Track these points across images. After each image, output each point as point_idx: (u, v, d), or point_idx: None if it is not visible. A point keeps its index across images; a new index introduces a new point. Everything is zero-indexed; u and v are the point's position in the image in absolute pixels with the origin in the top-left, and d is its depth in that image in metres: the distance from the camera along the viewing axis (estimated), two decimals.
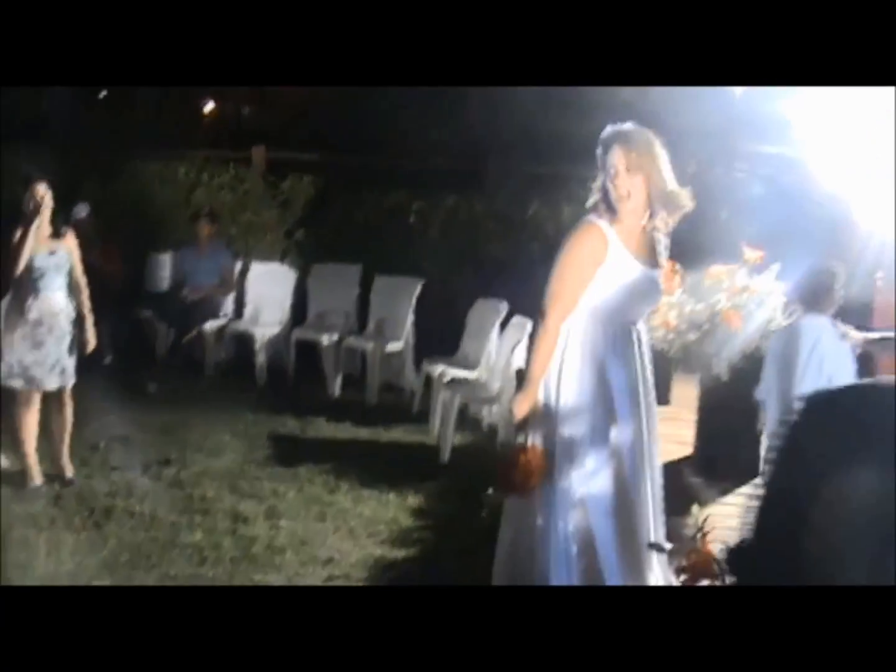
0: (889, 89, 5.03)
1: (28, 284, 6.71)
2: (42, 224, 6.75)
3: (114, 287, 9.65)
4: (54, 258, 6.80)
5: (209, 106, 21.84)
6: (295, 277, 10.78)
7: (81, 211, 9.77)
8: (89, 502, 6.62)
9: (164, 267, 11.00)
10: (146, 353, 10.39)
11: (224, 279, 10.63)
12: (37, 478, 6.80)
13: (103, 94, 21.55)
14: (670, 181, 4.45)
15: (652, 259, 4.51)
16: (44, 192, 6.77)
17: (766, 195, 12.19)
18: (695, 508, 4.83)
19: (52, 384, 6.79)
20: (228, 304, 10.77)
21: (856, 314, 7.30)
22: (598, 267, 4.40)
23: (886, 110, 5.95)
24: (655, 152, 4.45)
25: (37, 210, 6.71)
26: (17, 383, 6.71)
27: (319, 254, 11.01)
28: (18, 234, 6.67)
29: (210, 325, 10.30)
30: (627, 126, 4.51)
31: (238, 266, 10.86)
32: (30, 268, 6.70)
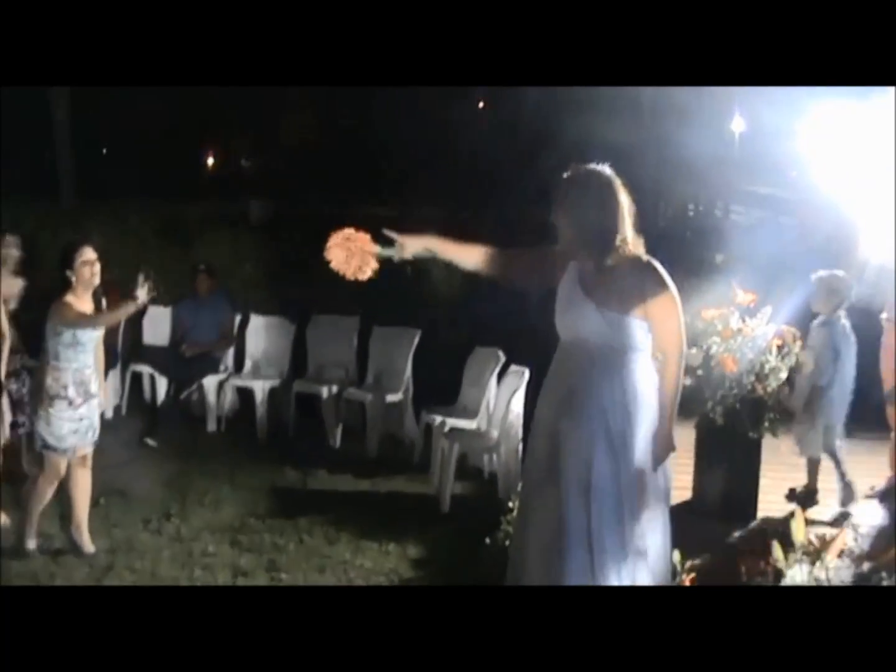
0: (889, 89, 5.06)
1: (67, 355, 6.52)
2: (86, 294, 6.60)
3: (113, 341, 9.68)
4: (100, 330, 6.69)
5: (210, 160, 22.03)
6: (294, 330, 10.81)
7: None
8: (89, 559, 6.63)
9: (164, 320, 11.02)
10: (146, 408, 10.39)
11: (224, 333, 10.65)
12: (33, 541, 6.69)
13: (104, 150, 21.74)
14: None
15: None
16: (93, 258, 6.59)
17: (762, 237, 12.26)
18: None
19: (86, 449, 6.71)
20: (228, 357, 10.79)
21: (861, 351, 7.35)
22: None
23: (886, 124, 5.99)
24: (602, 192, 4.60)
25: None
26: (53, 455, 6.57)
27: (318, 305, 11.04)
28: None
29: (210, 380, 10.32)
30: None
31: (237, 319, 10.88)
32: (75, 342, 6.51)
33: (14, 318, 7.12)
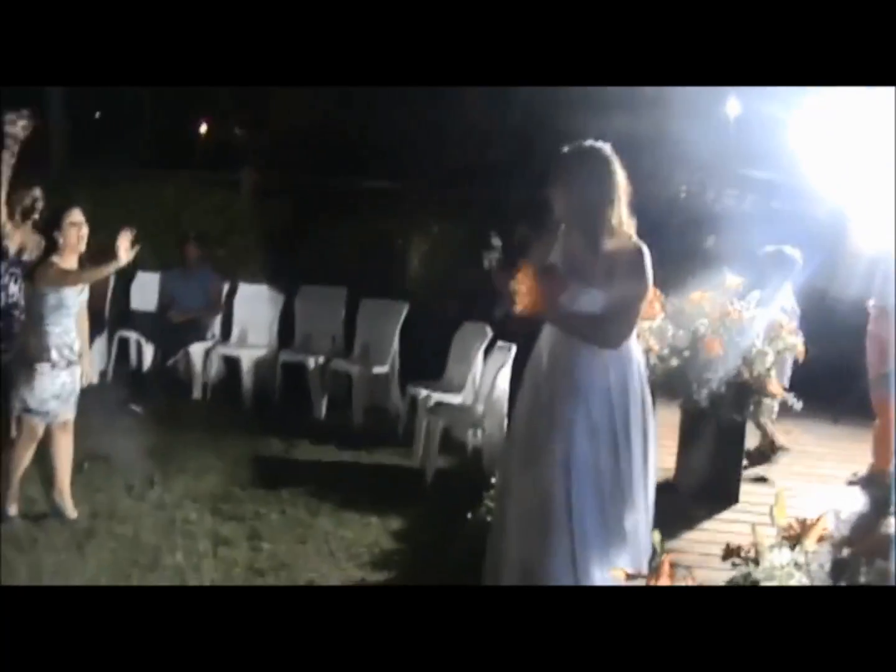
0: (889, 89, 5.05)
1: (51, 318, 6.48)
2: (72, 257, 6.57)
3: (101, 306, 9.67)
4: (84, 294, 6.68)
5: (201, 128, 21.93)
6: (282, 300, 10.82)
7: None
8: (72, 523, 6.62)
9: (152, 287, 11.00)
10: (132, 374, 10.37)
11: (211, 301, 10.64)
12: (14, 507, 6.66)
13: (97, 114, 21.63)
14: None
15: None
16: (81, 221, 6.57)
17: (754, 220, 12.26)
18: None
19: (67, 415, 6.69)
20: (215, 325, 10.79)
21: (850, 340, 7.38)
22: None
23: (886, 116, 5.99)
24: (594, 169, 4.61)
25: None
26: (33, 418, 6.55)
27: (306, 276, 11.03)
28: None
29: (197, 347, 10.31)
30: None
31: (225, 288, 10.87)
32: (59, 304, 6.48)
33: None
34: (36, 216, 7.10)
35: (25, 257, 7.10)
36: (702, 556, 5.19)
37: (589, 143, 4.68)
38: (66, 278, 6.48)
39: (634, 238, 4.65)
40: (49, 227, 6.54)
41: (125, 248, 6.37)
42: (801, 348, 6.81)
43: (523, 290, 4.57)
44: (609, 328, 4.60)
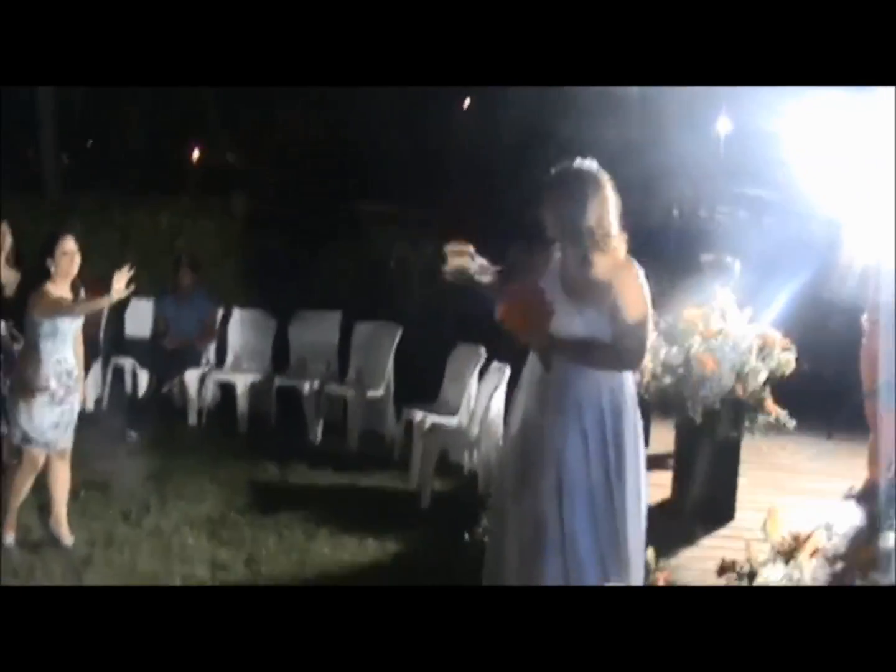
0: (889, 90, 5.08)
1: (46, 346, 6.47)
2: (65, 284, 6.56)
3: (95, 333, 9.66)
4: (79, 321, 6.65)
5: (194, 154, 21.97)
6: (276, 324, 10.83)
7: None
8: (69, 551, 6.61)
9: (146, 313, 11.00)
10: (127, 401, 10.36)
11: (206, 328, 10.65)
12: (11, 535, 6.62)
13: (90, 143, 21.67)
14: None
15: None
16: (73, 249, 6.55)
17: (746, 237, 12.26)
18: None
19: (65, 443, 6.68)
20: (210, 351, 10.79)
21: (841, 353, 7.39)
22: None
23: (879, 126, 6.02)
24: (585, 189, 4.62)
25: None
26: (34, 448, 6.53)
27: (300, 301, 11.04)
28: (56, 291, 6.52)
29: (192, 373, 10.31)
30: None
31: (219, 314, 10.88)
32: (54, 332, 6.46)
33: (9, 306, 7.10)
34: (5, 253, 7.11)
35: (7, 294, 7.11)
36: (697, 572, 5.19)
37: (577, 162, 4.70)
38: (60, 307, 6.49)
39: (627, 256, 4.67)
40: (43, 255, 6.54)
41: (119, 287, 6.39)
42: (793, 364, 6.82)
43: (514, 327, 4.58)
44: (622, 350, 4.61)
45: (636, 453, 4.69)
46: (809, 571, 3.19)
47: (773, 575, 3.18)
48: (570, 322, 4.58)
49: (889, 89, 5.12)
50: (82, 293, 6.77)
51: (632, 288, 4.60)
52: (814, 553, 3.23)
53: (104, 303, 6.54)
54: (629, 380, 4.77)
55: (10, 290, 7.13)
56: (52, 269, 6.50)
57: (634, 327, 4.59)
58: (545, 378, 4.69)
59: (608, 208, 4.63)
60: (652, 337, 6.41)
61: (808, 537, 3.26)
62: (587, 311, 4.58)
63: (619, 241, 4.65)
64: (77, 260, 6.55)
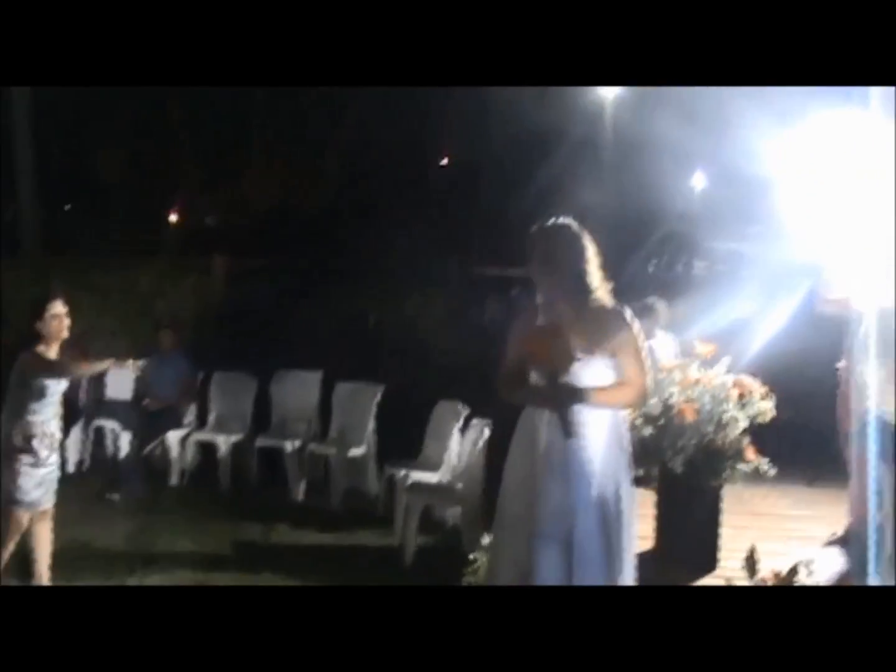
0: (889, 89, 5.13)
1: (32, 408, 6.46)
2: (55, 346, 6.54)
3: (76, 395, 9.65)
4: (64, 384, 6.63)
5: (171, 215, 22.06)
6: (256, 384, 10.84)
7: None
8: None
9: (127, 375, 10.97)
10: (108, 462, 10.32)
11: (186, 389, 10.65)
12: None
13: (68, 207, 21.73)
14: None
15: None
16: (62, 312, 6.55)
17: (723, 290, 12.36)
18: None
19: (48, 504, 6.63)
20: (191, 412, 10.78)
21: (820, 400, 7.43)
22: None
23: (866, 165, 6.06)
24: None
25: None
26: (18, 510, 6.46)
27: (281, 360, 11.07)
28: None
29: (173, 434, 10.30)
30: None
31: (200, 374, 10.88)
32: (42, 393, 6.45)
33: None
34: None
35: None
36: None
37: (554, 219, 4.84)
38: (52, 369, 6.50)
39: (614, 302, 4.81)
40: (32, 318, 6.55)
41: (113, 363, 6.43)
42: (772, 412, 6.85)
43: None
44: (628, 385, 4.78)
45: (630, 503, 4.85)
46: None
47: None
48: (577, 372, 4.66)
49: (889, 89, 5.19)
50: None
51: (622, 326, 4.75)
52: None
53: (95, 369, 6.55)
54: (625, 430, 4.92)
55: None
56: (42, 332, 6.52)
57: (633, 360, 4.76)
58: (546, 433, 4.72)
59: (590, 258, 4.75)
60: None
61: (788, 574, 3.29)
62: (590, 360, 4.67)
63: (604, 289, 4.77)
64: (67, 323, 6.56)
